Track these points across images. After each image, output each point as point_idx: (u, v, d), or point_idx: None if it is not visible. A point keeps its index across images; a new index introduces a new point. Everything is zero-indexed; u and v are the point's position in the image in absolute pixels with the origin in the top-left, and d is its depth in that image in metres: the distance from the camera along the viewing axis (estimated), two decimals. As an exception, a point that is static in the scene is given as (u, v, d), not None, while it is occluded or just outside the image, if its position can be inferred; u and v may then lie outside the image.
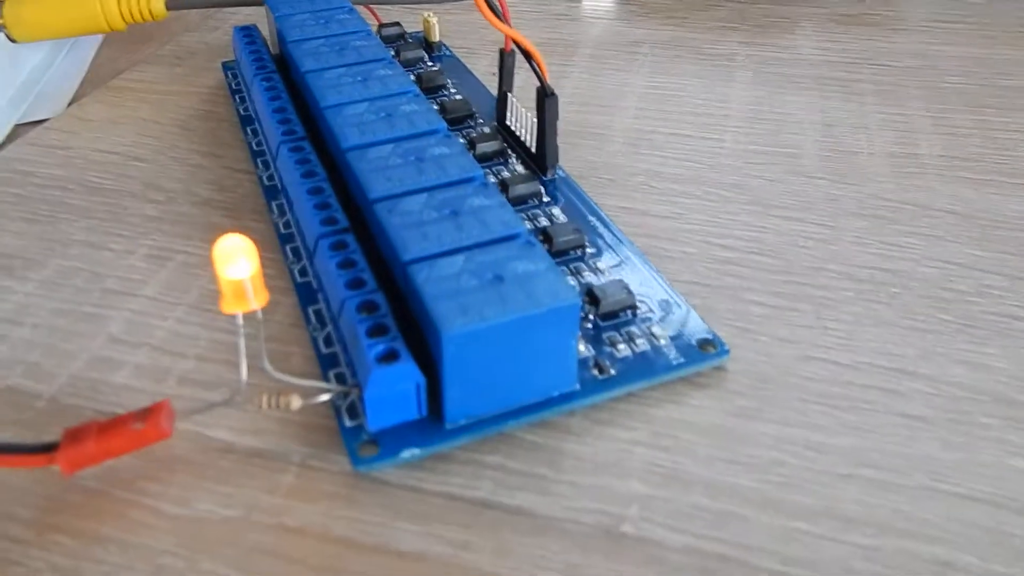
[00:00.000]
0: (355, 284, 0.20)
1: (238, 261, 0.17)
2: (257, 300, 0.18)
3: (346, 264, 0.21)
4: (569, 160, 0.29)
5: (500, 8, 0.27)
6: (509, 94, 0.30)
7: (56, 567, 0.17)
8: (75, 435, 0.18)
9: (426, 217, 0.21)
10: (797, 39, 0.38)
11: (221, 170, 0.29)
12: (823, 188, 0.28)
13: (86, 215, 0.27)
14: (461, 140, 0.29)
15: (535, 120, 0.27)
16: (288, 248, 0.25)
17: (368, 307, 0.20)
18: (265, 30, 0.34)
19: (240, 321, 0.18)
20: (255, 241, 0.25)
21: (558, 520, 0.18)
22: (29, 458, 0.18)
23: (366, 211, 0.22)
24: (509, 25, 0.27)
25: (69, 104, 0.35)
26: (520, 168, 0.28)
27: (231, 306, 0.17)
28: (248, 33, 0.33)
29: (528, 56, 0.27)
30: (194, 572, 0.17)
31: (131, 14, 0.35)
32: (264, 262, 0.24)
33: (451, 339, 0.18)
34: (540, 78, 0.27)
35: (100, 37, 0.40)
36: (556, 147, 0.28)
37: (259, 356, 0.18)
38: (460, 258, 0.19)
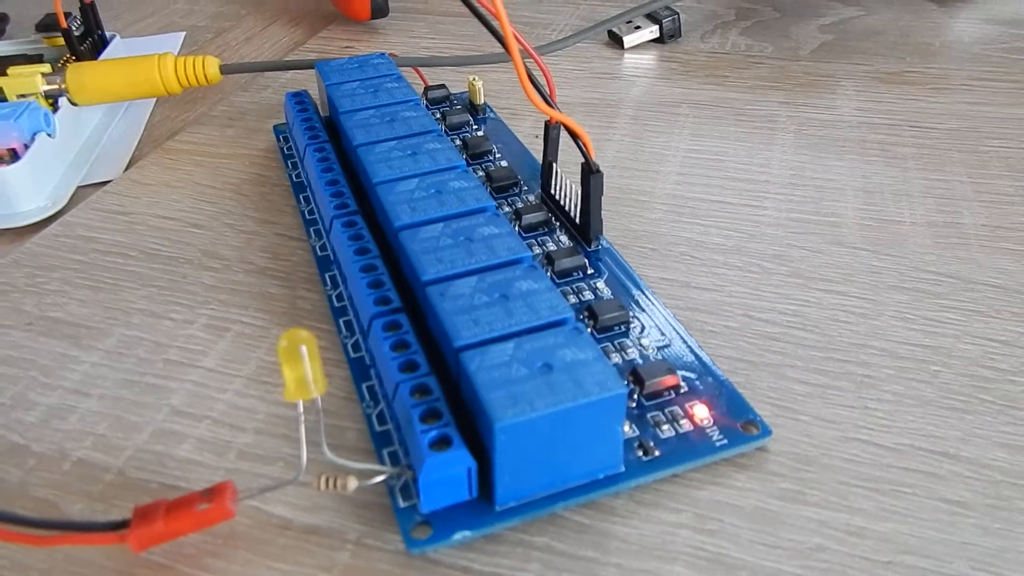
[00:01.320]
0: (408, 367, 0.21)
1: (301, 355, 0.18)
2: (317, 389, 0.18)
3: (400, 346, 0.22)
4: (611, 228, 0.30)
5: (548, 89, 0.27)
6: (554, 164, 0.30)
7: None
8: (144, 514, 0.19)
9: (476, 301, 0.22)
10: (838, 99, 0.38)
11: (275, 237, 0.30)
12: (864, 259, 0.28)
13: (147, 283, 0.28)
14: (507, 209, 0.30)
15: (579, 191, 0.28)
16: (341, 321, 0.26)
17: (421, 390, 0.20)
18: (314, 91, 0.35)
19: (300, 408, 0.19)
20: (307, 312, 0.26)
21: (606, 604, 0.19)
22: (102, 536, 0.19)
23: (418, 292, 0.23)
24: (555, 106, 0.27)
25: (128, 165, 0.36)
26: (564, 238, 0.29)
27: (293, 395, 0.18)
28: (300, 100, 0.34)
29: (574, 136, 0.27)
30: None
31: (187, 79, 0.36)
32: (317, 333, 0.25)
33: (503, 429, 0.18)
34: (585, 156, 0.27)
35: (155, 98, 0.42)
36: (600, 220, 0.28)
37: (318, 439, 0.19)
38: (510, 345, 0.20)
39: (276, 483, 0.19)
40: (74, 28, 0.42)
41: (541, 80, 0.28)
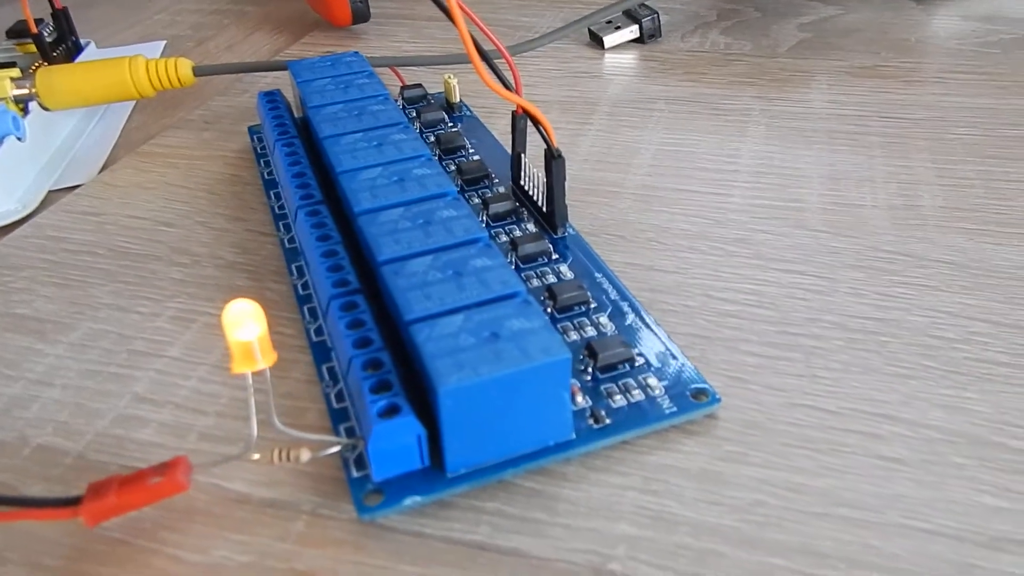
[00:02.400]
0: (362, 343, 0.21)
1: (245, 324, 0.18)
2: (265, 360, 0.19)
3: (355, 324, 0.22)
4: (581, 218, 0.30)
5: (513, 77, 0.28)
6: (522, 155, 0.31)
7: (80, 612, 0.19)
8: (97, 489, 0.19)
9: (430, 278, 0.22)
10: (811, 93, 0.39)
11: (245, 233, 0.31)
12: (824, 241, 0.29)
13: (115, 279, 0.29)
14: (477, 200, 0.31)
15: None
16: (306, 308, 0.26)
17: (374, 365, 0.21)
18: (290, 94, 0.36)
19: (250, 380, 0.19)
20: (275, 303, 0.27)
21: (550, 561, 0.19)
22: (55, 511, 0.19)
23: (376, 273, 0.23)
24: (518, 93, 0.28)
25: (101, 170, 0.37)
26: (532, 227, 0.29)
27: (240, 366, 0.19)
28: (272, 98, 0.34)
29: (535, 122, 0.28)
30: (208, 616, 0.18)
31: (160, 81, 0.36)
32: (283, 322, 0.26)
33: (447, 393, 0.19)
34: (547, 141, 0.28)
35: (131, 103, 0.42)
36: (565, 206, 0.29)
37: (271, 413, 0.20)
38: (460, 317, 0.21)
39: (226, 457, 0.20)
40: (46, 34, 0.43)
41: (510, 78, 0.28)
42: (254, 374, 0.19)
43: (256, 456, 0.20)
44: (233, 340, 0.19)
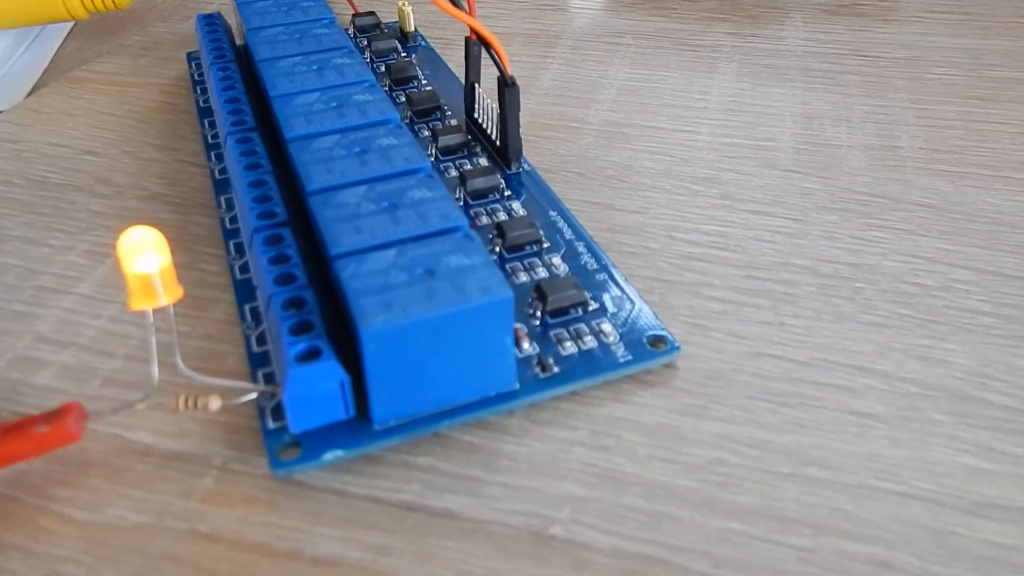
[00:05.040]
0: (285, 280, 0.19)
1: (144, 255, 0.16)
2: (168, 296, 0.17)
3: (278, 259, 0.20)
4: (539, 153, 0.28)
5: (468, 6, 0.26)
6: (476, 85, 0.29)
7: (-47, 576, 0.17)
8: (-23, 438, 0.17)
9: (363, 210, 0.20)
10: (786, 30, 0.37)
11: (175, 164, 0.29)
12: (796, 182, 0.27)
13: (29, 210, 0.27)
14: (427, 134, 0.28)
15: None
16: (232, 244, 0.24)
17: (296, 303, 0.19)
18: (234, 21, 0.34)
19: (151, 319, 0.17)
20: (200, 237, 0.25)
21: (485, 523, 0.17)
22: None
23: (305, 204, 0.21)
24: (470, 13, 0.26)
25: (27, 96, 0.34)
26: (484, 162, 0.27)
27: (139, 302, 0.17)
28: (211, 21, 0.32)
29: (487, 45, 0.26)
30: (94, 581, 0.16)
31: (92, 2, 0.34)
32: (208, 259, 0.24)
33: (371, 336, 0.17)
34: (500, 67, 0.26)
35: (65, 29, 0.39)
36: (519, 139, 0.27)
37: (176, 355, 0.18)
38: (392, 252, 0.19)
39: (124, 404, 0.18)
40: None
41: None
42: (155, 311, 0.17)
43: (143, 406, 0.18)
44: (130, 273, 0.16)
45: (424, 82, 0.32)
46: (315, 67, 0.26)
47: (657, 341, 0.20)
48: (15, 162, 0.29)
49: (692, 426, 0.19)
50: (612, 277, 0.22)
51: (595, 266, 0.23)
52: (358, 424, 0.18)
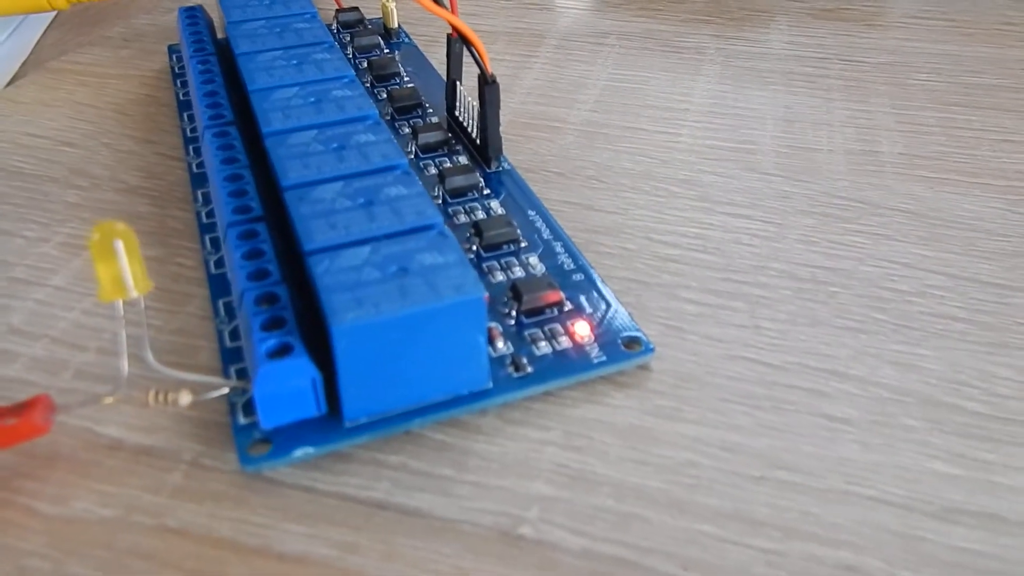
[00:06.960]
0: (257, 275, 0.19)
1: (116, 250, 0.16)
2: (137, 289, 0.17)
3: (252, 254, 0.20)
4: (519, 153, 0.28)
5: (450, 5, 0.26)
6: (458, 83, 0.28)
7: (-85, 569, 0.16)
8: (-58, 431, 0.17)
9: (338, 206, 0.20)
10: (770, 33, 0.37)
11: (153, 156, 0.28)
12: (776, 185, 0.27)
13: (3, 201, 0.26)
14: (407, 131, 0.28)
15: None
16: (208, 238, 0.24)
17: (268, 299, 0.19)
18: (216, 14, 0.33)
19: (120, 311, 0.17)
20: (176, 231, 0.24)
21: (455, 522, 0.17)
22: None
23: (281, 199, 0.21)
24: (451, 10, 0.26)
25: (5, 86, 0.34)
26: (463, 160, 0.27)
27: (109, 294, 0.16)
28: (192, 14, 0.32)
29: (467, 42, 0.25)
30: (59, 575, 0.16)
31: (73, -8, 0.34)
32: (184, 253, 0.23)
33: (342, 333, 0.17)
34: (480, 65, 0.26)
35: (47, 19, 0.39)
36: (499, 137, 0.27)
37: (146, 349, 0.17)
38: (366, 249, 0.18)
39: (93, 397, 0.18)
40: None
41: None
42: (125, 304, 0.17)
43: (111, 400, 0.17)
44: (100, 265, 0.16)
45: (406, 79, 0.32)
46: (295, 62, 0.26)
47: (632, 342, 0.20)
48: (-10, 153, 0.29)
49: (664, 428, 0.19)
50: (589, 278, 0.22)
51: (572, 266, 0.23)
52: (329, 421, 0.18)
